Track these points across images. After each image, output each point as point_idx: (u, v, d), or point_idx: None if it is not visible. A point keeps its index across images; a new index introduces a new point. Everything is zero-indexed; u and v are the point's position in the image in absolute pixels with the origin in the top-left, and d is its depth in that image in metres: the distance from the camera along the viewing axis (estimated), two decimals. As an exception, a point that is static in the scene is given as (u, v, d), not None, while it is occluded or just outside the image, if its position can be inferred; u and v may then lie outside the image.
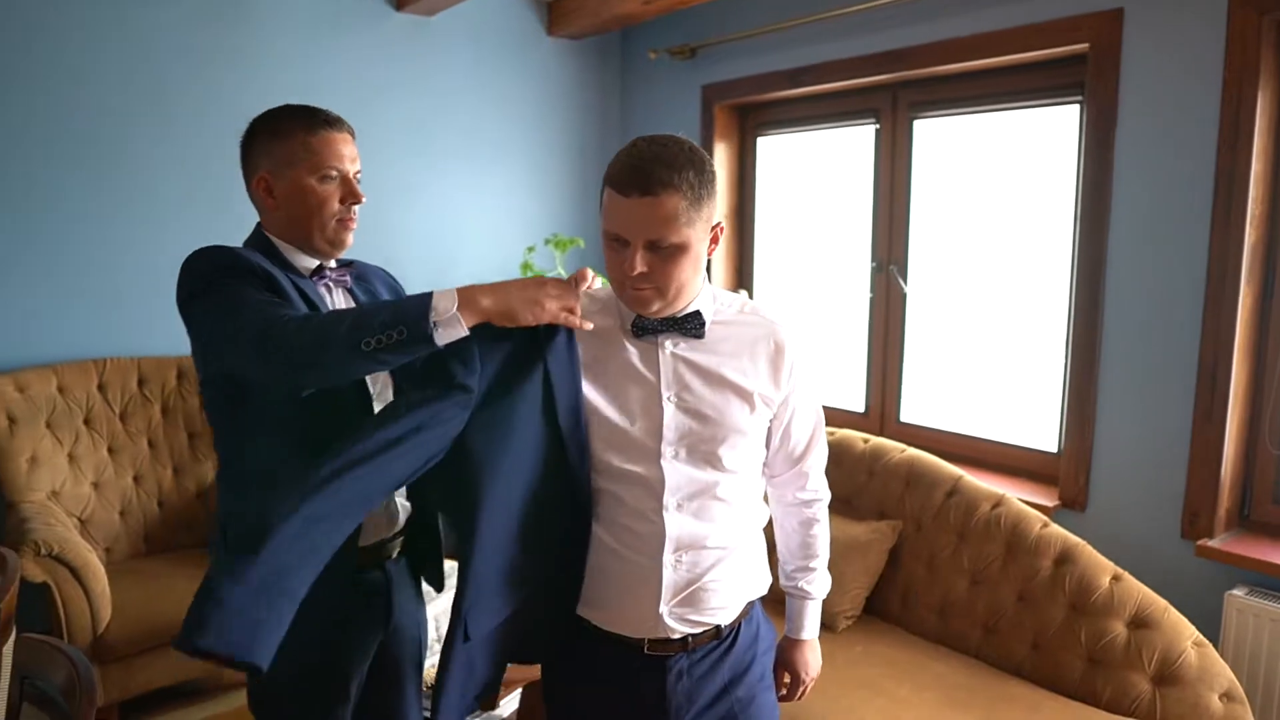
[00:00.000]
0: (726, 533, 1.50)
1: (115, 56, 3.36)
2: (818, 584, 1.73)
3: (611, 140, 4.60)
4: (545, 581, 1.49)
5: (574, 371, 1.44)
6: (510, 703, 2.65)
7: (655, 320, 1.45)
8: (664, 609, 1.47)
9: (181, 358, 3.46)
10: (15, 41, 3.17)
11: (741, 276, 4.24)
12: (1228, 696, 2.15)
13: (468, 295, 1.37)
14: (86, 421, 3.24)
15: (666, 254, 1.38)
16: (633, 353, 1.47)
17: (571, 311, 1.42)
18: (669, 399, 1.45)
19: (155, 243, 3.49)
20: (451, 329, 1.36)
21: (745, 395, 1.48)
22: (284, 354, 1.39)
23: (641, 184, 1.34)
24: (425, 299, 1.36)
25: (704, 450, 1.46)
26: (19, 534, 2.77)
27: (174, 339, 3.54)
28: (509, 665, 1.63)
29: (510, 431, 1.40)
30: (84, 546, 2.82)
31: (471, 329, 1.38)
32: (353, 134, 1.73)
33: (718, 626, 1.53)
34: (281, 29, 3.68)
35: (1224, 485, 2.64)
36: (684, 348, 1.47)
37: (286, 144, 1.65)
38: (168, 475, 3.36)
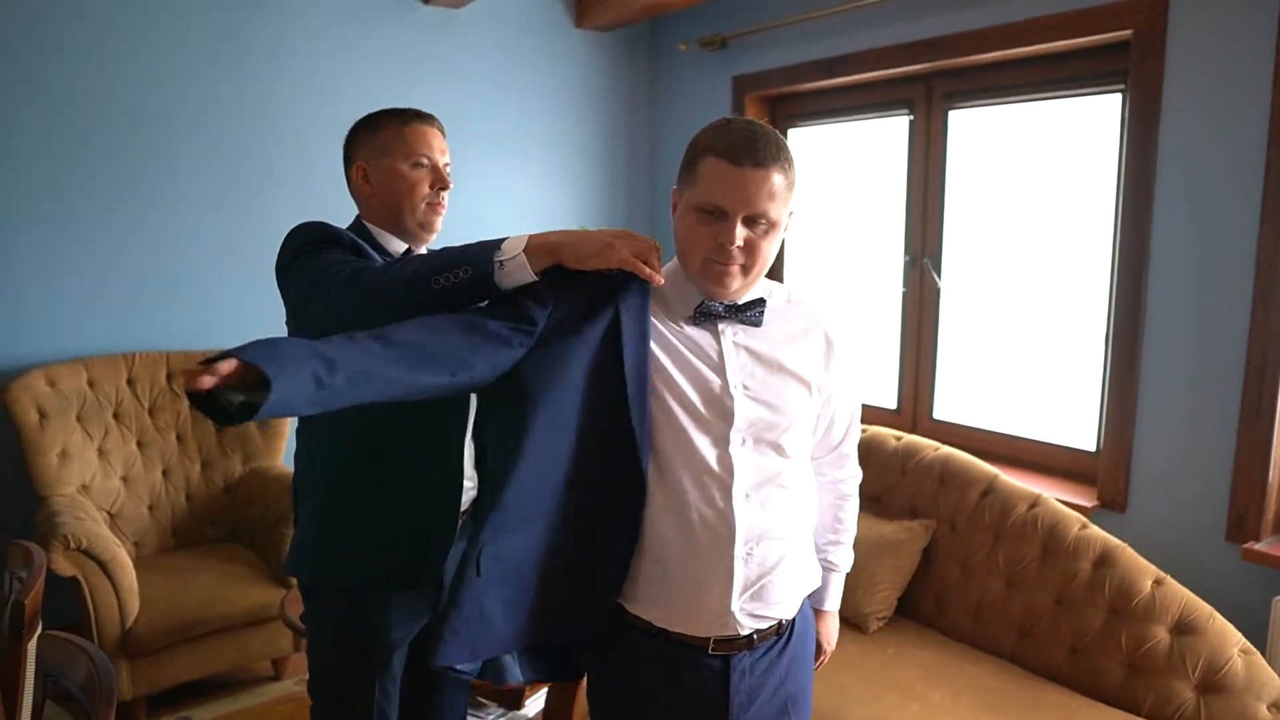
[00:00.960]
0: (790, 523, 1.48)
1: (142, 54, 3.36)
2: (844, 557, 1.77)
3: (640, 133, 4.55)
4: (580, 550, 1.43)
5: (644, 324, 1.41)
6: (536, 702, 2.63)
7: (720, 305, 1.43)
8: (735, 605, 1.43)
9: (209, 352, 3.46)
10: (44, 41, 3.19)
11: (773, 270, 4.18)
12: (1276, 706, 2.07)
13: (539, 238, 1.40)
14: (116, 416, 3.25)
15: (762, 231, 1.37)
16: (694, 340, 1.44)
17: (645, 260, 1.39)
18: (736, 387, 1.43)
19: (184, 237, 3.50)
20: (518, 272, 1.39)
21: (804, 382, 1.48)
22: (367, 294, 1.46)
23: (756, 155, 1.33)
24: (495, 241, 1.41)
25: (769, 438, 1.44)
26: (49, 527, 2.78)
27: (203, 333, 3.56)
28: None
29: (567, 367, 1.37)
30: (112, 541, 2.83)
31: (544, 273, 1.39)
32: (443, 130, 1.84)
33: (780, 621, 1.51)
34: (308, 23, 3.67)
35: (1272, 486, 2.55)
36: (743, 336, 1.45)
37: (382, 135, 1.78)
38: (196, 469, 3.37)
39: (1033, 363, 3.28)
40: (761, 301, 1.46)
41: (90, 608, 2.77)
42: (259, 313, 3.67)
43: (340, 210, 3.17)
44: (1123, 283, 2.79)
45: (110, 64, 3.31)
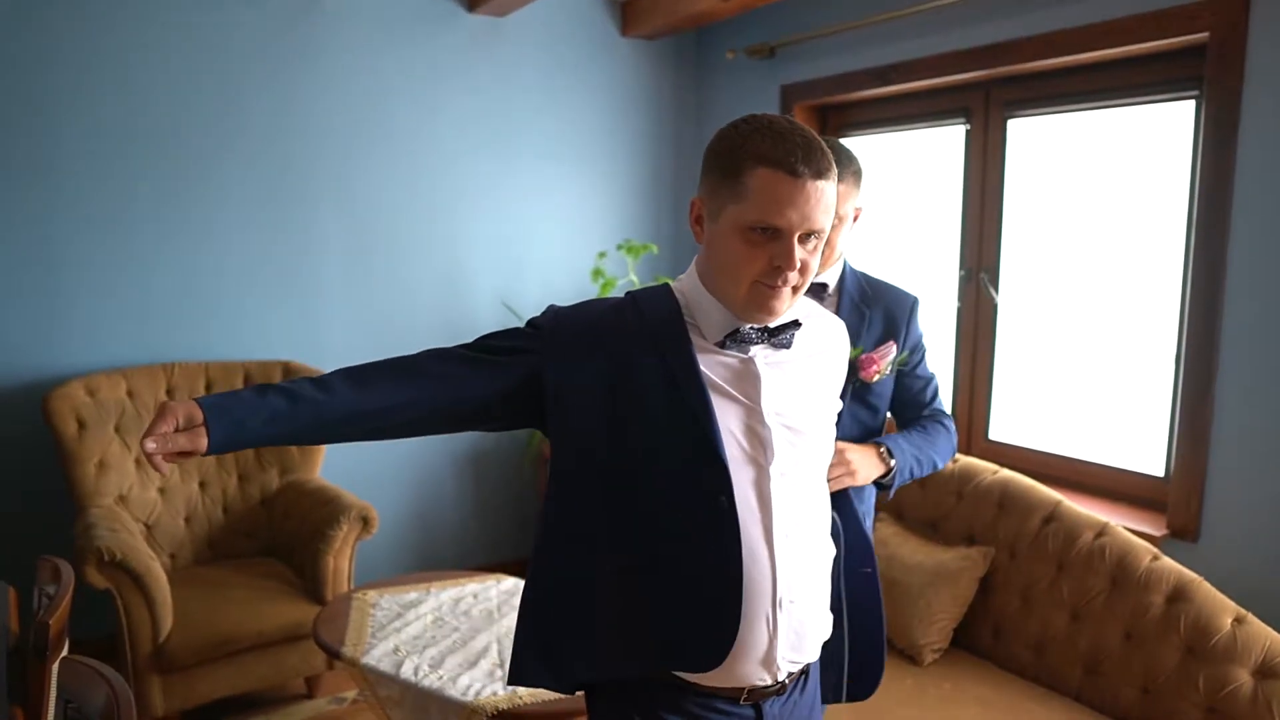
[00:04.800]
0: (822, 558, 1.38)
1: (186, 61, 3.35)
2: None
3: (687, 143, 4.47)
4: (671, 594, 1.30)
5: (689, 356, 1.30)
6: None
7: (754, 330, 1.29)
8: (780, 654, 1.31)
9: (248, 362, 3.43)
10: (86, 46, 3.18)
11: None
12: (1372, 759, 1.92)
13: None
14: (154, 426, 3.22)
15: (813, 247, 1.25)
16: (725, 366, 1.31)
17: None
18: (771, 415, 1.30)
19: (224, 247, 3.48)
20: None
21: (830, 399, 1.40)
22: None
23: (817, 165, 1.20)
24: None
25: (805, 467, 1.34)
26: (85, 539, 2.75)
27: (241, 343, 3.52)
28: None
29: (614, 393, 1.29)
30: (147, 554, 2.79)
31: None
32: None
33: (807, 665, 1.39)
34: (353, 32, 3.64)
35: (1360, 518, 2.39)
36: (773, 358, 1.33)
37: None
38: (233, 482, 3.33)
39: (1096, 382, 3.13)
40: (796, 323, 1.32)
41: (124, 622, 2.73)
42: (298, 323, 3.63)
43: (378, 221, 3.08)
44: (1196, 299, 2.64)
45: (152, 75, 3.30)
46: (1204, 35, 2.57)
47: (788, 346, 1.33)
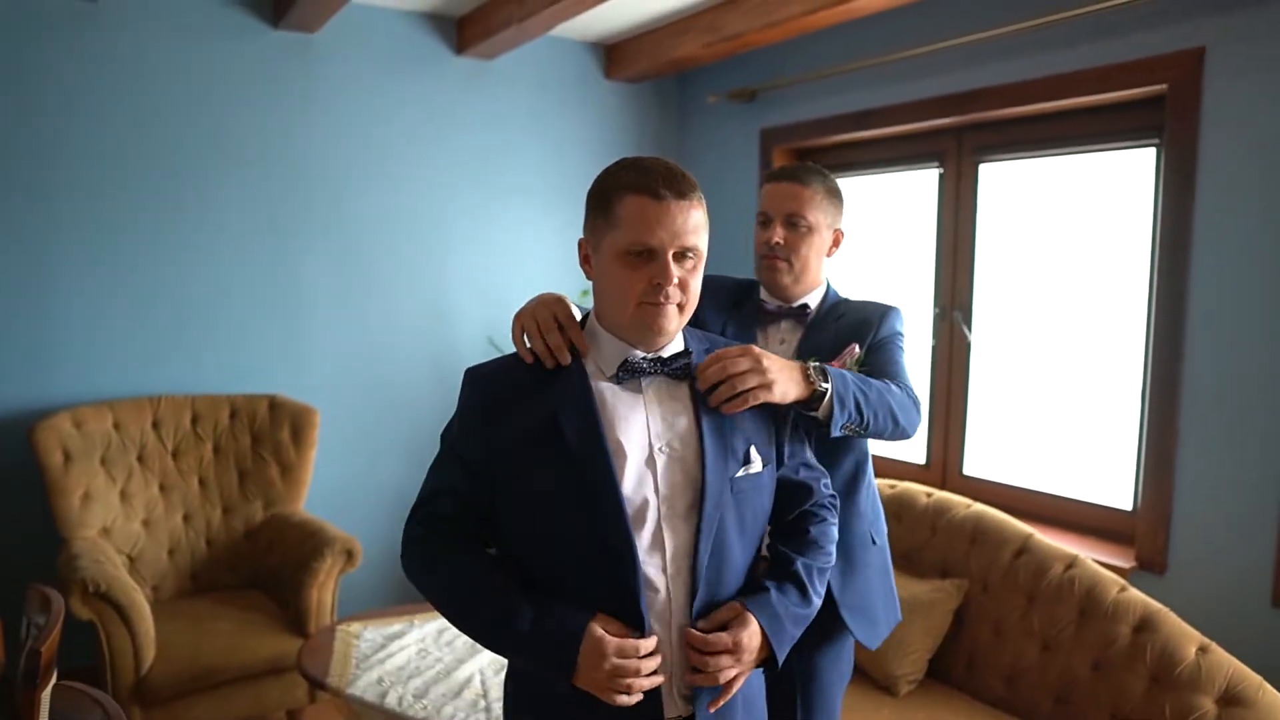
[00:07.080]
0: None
1: (181, 97, 3.42)
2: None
3: (667, 183, 4.55)
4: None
5: (592, 419, 1.35)
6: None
7: (645, 360, 1.37)
8: (675, 689, 1.34)
9: (234, 396, 3.46)
10: (81, 85, 3.25)
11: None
12: (1331, 784, 1.98)
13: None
14: (140, 459, 3.24)
15: (690, 266, 1.34)
16: (617, 403, 1.36)
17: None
18: (660, 450, 1.35)
19: (214, 282, 3.52)
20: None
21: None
22: None
23: (678, 187, 1.31)
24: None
25: (690, 500, 1.35)
26: (69, 570, 2.76)
27: (227, 377, 3.55)
28: None
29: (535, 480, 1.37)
30: (131, 586, 2.80)
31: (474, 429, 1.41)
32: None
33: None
34: (346, 71, 3.72)
35: (1318, 551, 2.47)
36: (666, 390, 1.39)
37: None
38: (217, 514, 3.35)
39: (1066, 418, 3.21)
40: (687, 353, 1.40)
41: (106, 653, 2.74)
42: (285, 356, 3.67)
43: (366, 255, 3.08)
44: (1159, 338, 2.74)
45: (146, 111, 3.36)
46: (1163, 87, 2.69)
47: (682, 376, 1.39)
